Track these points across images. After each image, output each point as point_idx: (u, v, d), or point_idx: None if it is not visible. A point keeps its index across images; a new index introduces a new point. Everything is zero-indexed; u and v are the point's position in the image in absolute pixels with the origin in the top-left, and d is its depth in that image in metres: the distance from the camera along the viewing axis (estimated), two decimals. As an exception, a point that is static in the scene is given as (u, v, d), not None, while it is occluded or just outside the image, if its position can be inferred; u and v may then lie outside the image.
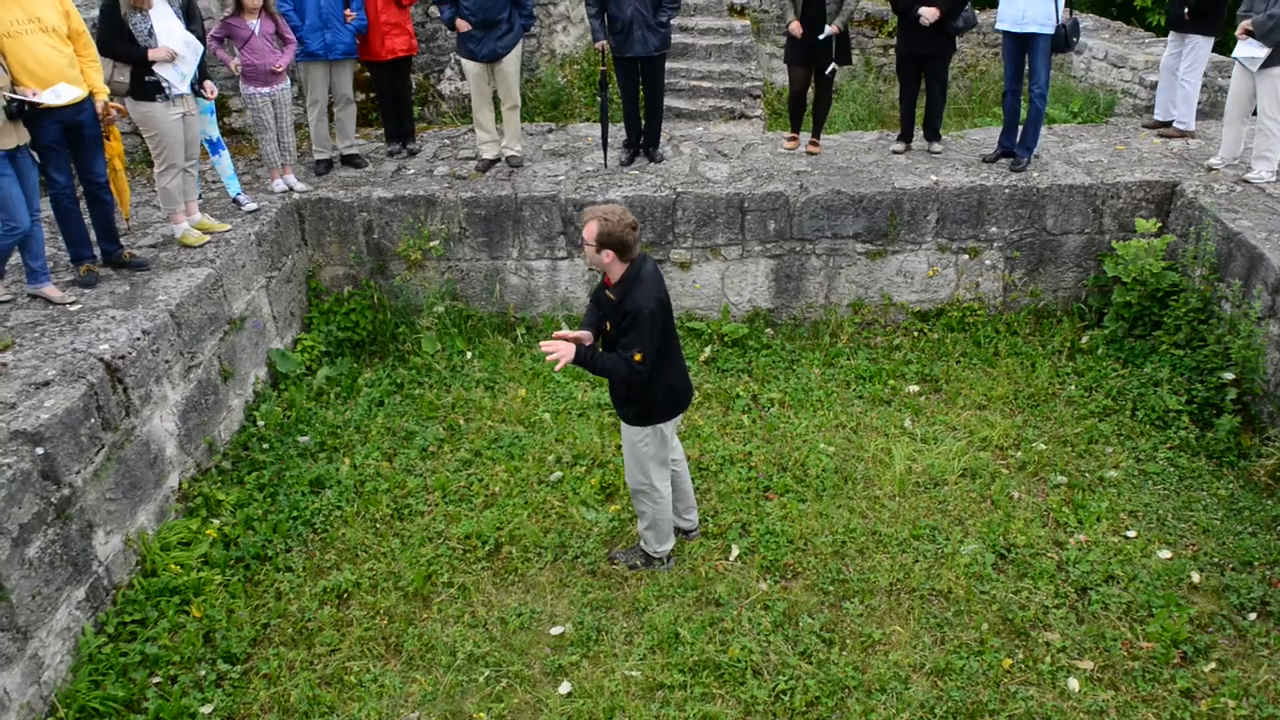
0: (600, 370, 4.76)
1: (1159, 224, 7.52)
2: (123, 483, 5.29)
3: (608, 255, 4.64)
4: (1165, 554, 5.58)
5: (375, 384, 7.45)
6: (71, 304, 5.94)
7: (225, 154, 7.44)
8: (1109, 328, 7.51)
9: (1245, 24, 7.16)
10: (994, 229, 7.85)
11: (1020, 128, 8.06)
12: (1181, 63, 8.45)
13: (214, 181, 7.90)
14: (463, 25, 7.78)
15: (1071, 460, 6.44)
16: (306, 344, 7.62)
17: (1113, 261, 7.44)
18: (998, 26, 7.83)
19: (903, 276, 8.03)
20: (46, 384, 5.03)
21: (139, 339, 5.60)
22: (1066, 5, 7.64)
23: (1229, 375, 6.43)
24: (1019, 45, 7.75)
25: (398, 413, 7.12)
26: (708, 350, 7.77)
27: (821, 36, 7.89)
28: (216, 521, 5.83)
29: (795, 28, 8.02)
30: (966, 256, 7.96)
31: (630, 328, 4.64)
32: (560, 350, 4.62)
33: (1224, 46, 9.37)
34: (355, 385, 7.44)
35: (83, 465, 4.94)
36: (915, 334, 7.97)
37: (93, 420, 5.05)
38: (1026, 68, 7.84)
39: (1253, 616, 5.12)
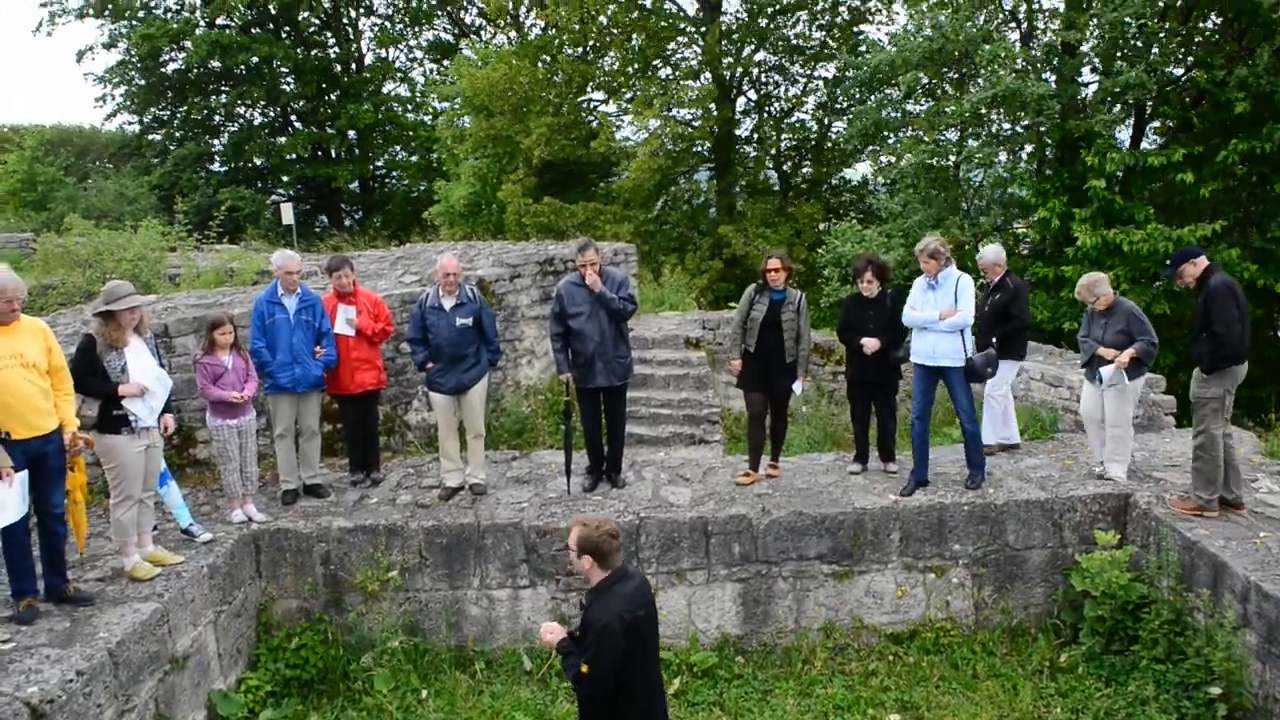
0: (564, 668, 4.65)
1: (1118, 535, 7.59)
2: None
3: (586, 561, 4.62)
4: None
5: (322, 727, 6.96)
6: (4, 642, 5.62)
7: (172, 484, 7.41)
8: (1086, 644, 7.35)
9: (1131, 352, 7.73)
10: (957, 546, 7.86)
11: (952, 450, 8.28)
12: (999, 388, 8.97)
13: (170, 512, 7.80)
14: (431, 367, 8.13)
15: (1069, 791, 6.03)
16: (251, 683, 7.19)
17: (1079, 575, 7.42)
18: (912, 359, 8.18)
19: (872, 597, 7.90)
20: (-38, 733, 4.64)
21: (71, 681, 5.26)
22: (991, 343, 8.25)
23: (1215, 690, 6.23)
24: (931, 377, 8.09)
25: (345, 758, 6.60)
26: (677, 682, 7.43)
27: (795, 393, 8.37)
28: None
29: (735, 365, 8.44)
30: (933, 575, 7.90)
31: (586, 637, 4.52)
32: (547, 632, 4.72)
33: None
34: (300, 729, 6.94)
35: (-13, 827, 4.45)
36: (890, 658, 7.71)
37: (7, 774, 4.62)
38: (934, 397, 8.20)
39: None
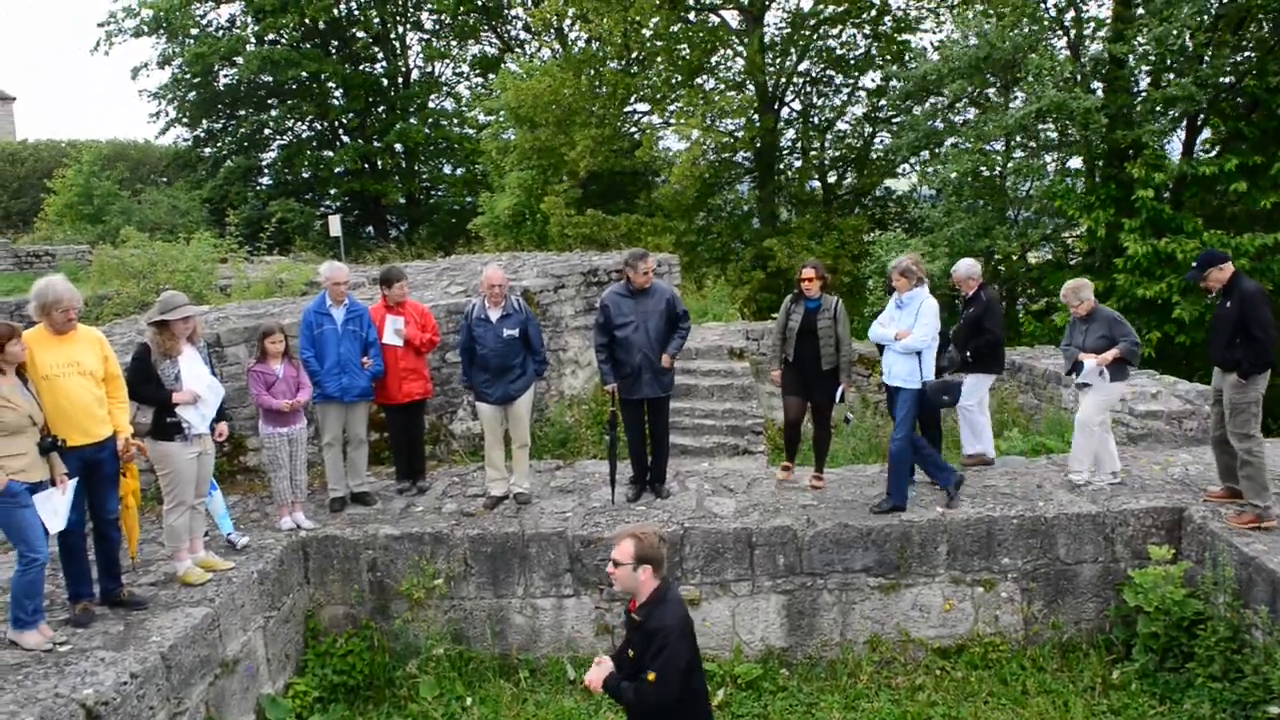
0: (625, 701, 4.50)
1: (1173, 550, 7.44)
2: (85, 847, 4.82)
3: (645, 571, 4.54)
4: None
5: (368, 733, 7.02)
6: (61, 644, 5.74)
7: (217, 493, 7.49)
8: (1139, 661, 7.21)
9: (1115, 352, 7.88)
10: (1006, 560, 7.75)
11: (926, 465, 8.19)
12: (970, 399, 8.85)
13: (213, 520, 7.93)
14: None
15: (1123, 811, 5.90)
16: (299, 689, 7.27)
17: (1132, 591, 7.28)
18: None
19: (919, 611, 7.81)
20: (21, 732, 4.75)
21: (125, 683, 5.36)
22: (966, 357, 8.25)
23: (1275, 709, 6.08)
24: (893, 392, 8.01)
25: (390, 765, 6.64)
26: (720, 694, 7.39)
27: (837, 403, 8.42)
28: None
29: (775, 376, 8.55)
30: (982, 589, 7.79)
31: (652, 646, 4.44)
32: (591, 675, 4.58)
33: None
34: (347, 734, 7.00)
35: (45, 826, 4.54)
36: (938, 672, 7.60)
37: (64, 773, 4.70)
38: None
39: None
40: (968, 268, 8.94)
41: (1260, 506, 7.19)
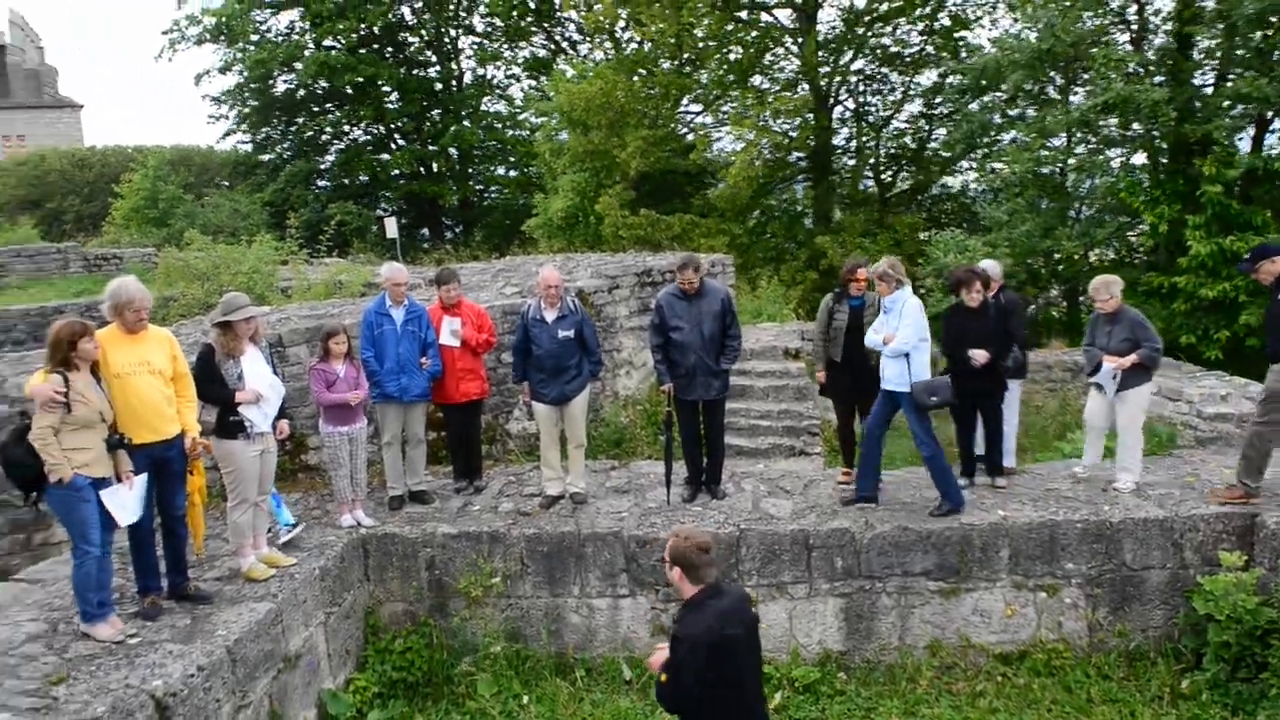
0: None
1: (1245, 557, 7.22)
2: (155, 836, 4.93)
3: (676, 573, 4.58)
4: None
5: (427, 729, 7.08)
6: (131, 636, 5.88)
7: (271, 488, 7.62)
8: (1209, 670, 7.01)
9: (1133, 358, 7.82)
10: (1070, 565, 7.59)
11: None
12: (1011, 417, 8.73)
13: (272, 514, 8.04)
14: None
15: (1194, 825, 5.75)
16: (360, 684, 7.36)
17: (1202, 598, 7.08)
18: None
19: (979, 616, 7.68)
20: (94, 722, 4.86)
21: (193, 676, 5.46)
22: (946, 371, 8.06)
23: (1355, 723, 5.87)
24: (889, 398, 7.88)
25: (449, 761, 6.69)
26: (778, 697, 7.33)
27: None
28: None
29: (820, 376, 8.65)
30: (1045, 594, 7.64)
31: (672, 647, 4.49)
32: (654, 657, 4.74)
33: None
34: (406, 730, 7.08)
35: (117, 814, 4.64)
36: (999, 679, 7.47)
37: (134, 763, 4.81)
38: (890, 415, 8.01)
39: None
40: (989, 269, 8.73)
41: (1251, 486, 7.44)
